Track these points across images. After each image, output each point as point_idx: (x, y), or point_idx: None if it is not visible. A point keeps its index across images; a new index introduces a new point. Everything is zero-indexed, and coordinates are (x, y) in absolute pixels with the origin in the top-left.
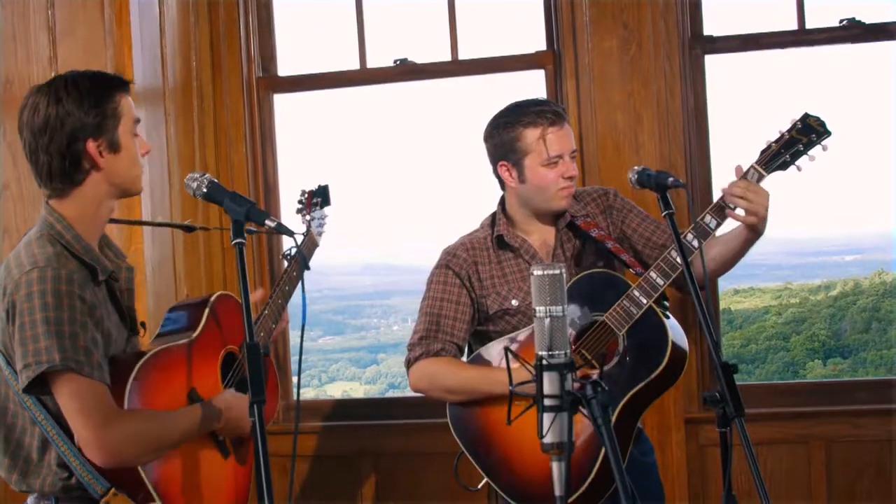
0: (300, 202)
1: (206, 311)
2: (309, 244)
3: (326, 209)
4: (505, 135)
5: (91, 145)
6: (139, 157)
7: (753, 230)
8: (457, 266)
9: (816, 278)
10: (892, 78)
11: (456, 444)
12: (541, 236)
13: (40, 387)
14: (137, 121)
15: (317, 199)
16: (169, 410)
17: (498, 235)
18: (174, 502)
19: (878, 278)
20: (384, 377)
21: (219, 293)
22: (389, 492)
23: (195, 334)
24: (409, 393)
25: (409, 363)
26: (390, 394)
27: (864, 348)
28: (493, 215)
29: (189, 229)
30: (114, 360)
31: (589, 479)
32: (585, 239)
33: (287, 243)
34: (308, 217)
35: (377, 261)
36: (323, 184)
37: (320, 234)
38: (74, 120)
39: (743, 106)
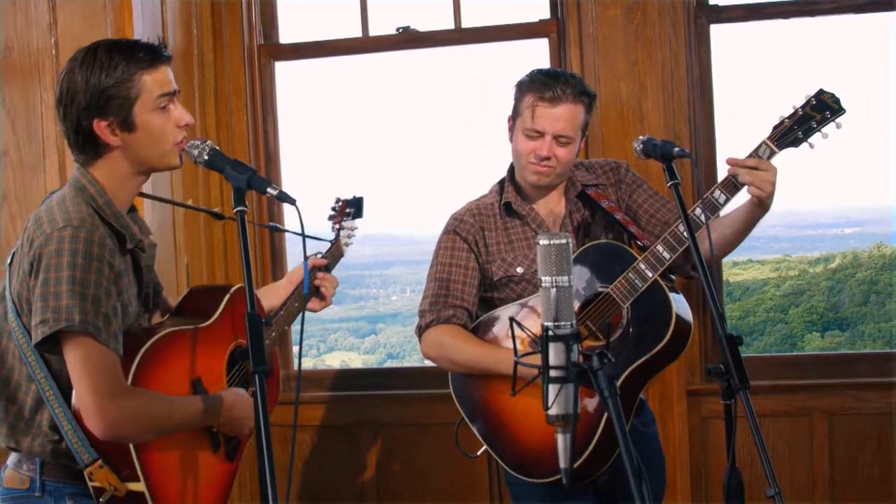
0: (333, 209)
1: (225, 300)
2: (335, 253)
3: (357, 221)
4: (517, 92)
5: (99, 125)
6: (169, 132)
7: (761, 205)
8: (464, 231)
9: (815, 250)
10: (895, 50)
11: (454, 414)
12: (547, 205)
13: (51, 345)
14: (173, 92)
15: (350, 209)
16: (174, 396)
17: (506, 202)
18: (158, 485)
19: (878, 251)
20: (382, 347)
21: (238, 285)
22: (389, 460)
23: (209, 322)
24: (408, 363)
25: (420, 330)
26: (388, 364)
27: (862, 321)
28: (502, 182)
29: (219, 217)
30: (125, 333)
31: (590, 449)
32: (595, 210)
33: (290, 219)
34: (338, 227)
35: (377, 230)
36: (358, 195)
37: (348, 245)
38: (81, 99)
39: (748, 76)
